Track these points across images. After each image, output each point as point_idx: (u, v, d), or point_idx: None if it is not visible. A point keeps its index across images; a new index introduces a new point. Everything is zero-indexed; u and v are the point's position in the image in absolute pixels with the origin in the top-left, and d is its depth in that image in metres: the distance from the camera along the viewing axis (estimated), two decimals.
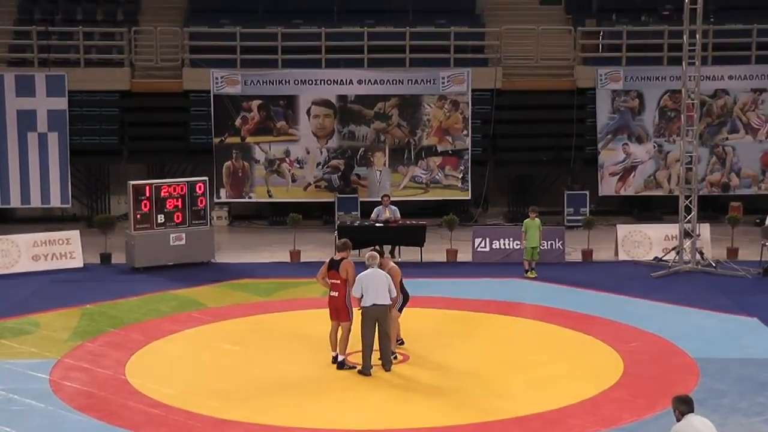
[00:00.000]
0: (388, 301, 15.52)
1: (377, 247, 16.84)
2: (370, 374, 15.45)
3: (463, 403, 14.44)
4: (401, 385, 15.22)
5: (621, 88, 28.78)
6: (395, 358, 16.15)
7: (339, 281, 15.90)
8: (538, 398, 14.53)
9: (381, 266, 16.21)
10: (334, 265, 16.02)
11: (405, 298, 16.76)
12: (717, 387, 14.86)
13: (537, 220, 22.51)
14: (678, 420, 10.67)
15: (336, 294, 15.93)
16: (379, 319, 15.50)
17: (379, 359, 15.79)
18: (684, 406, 10.67)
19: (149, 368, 15.95)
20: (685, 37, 23.43)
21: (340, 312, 15.91)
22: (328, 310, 16.13)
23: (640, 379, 15.27)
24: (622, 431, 13.23)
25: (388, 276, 15.63)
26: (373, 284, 15.45)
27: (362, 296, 15.42)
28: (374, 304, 15.40)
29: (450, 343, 16.67)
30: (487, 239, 24.16)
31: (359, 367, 15.68)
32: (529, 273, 22.28)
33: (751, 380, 15.19)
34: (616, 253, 24.37)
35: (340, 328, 16.00)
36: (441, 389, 15.04)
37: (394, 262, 17.14)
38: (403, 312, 16.71)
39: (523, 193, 29.89)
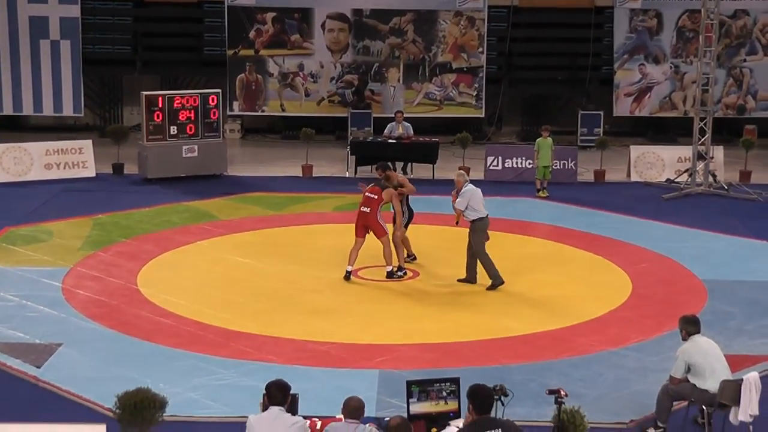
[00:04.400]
0: None
1: (386, 163, 16.94)
2: (502, 281, 15.67)
3: (472, 321, 14.56)
4: (411, 302, 15.34)
5: (639, 7, 28.44)
6: (405, 274, 16.26)
7: (376, 197, 15.99)
8: (547, 317, 14.65)
9: (389, 179, 16.42)
10: (378, 183, 16.23)
11: (410, 214, 16.86)
12: (724, 309, 14.94)
13: (549, 139, 22.44)
14: (684, 340, 10.78)
15: (368, 210, 15.99)
16: (487, 229, 15.88)
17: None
18: (691, 326, 10.77)
19: (161, 279, 16.08)
20: None
21: (373, 228, 15.99)
22: (354, 225, 16.12)
23: (648, 300, 15.37)
24: (628, 350, 13.35)
25: None
26: (479, 197, 15.83)
27: (467, 208, 15.64)
28: (487, 215, 15.85)
29: (460, 260, 16.74)
30: (500, 158, 24.12)
31: (399, 273, 16.14)
32: (540, 192, 22.27)
33: (758, 303, 15.27)
34: (629, 174, 24.32)
35: (369, 243, 16.12)
36: (450, 306, 15.16)
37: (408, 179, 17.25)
38: (408, 228, 16.84)
39: (537, 112, 29.73)
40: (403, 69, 28.44)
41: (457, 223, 16.05)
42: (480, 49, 28.33)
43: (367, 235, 16.11)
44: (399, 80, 28.45)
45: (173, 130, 23.09)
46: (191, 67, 29.43)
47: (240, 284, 15.90)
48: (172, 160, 23.06)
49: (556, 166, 23.04)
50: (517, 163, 24.02)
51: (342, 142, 27.15)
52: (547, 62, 29.34)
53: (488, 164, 24.00)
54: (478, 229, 15.74)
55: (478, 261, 15.80)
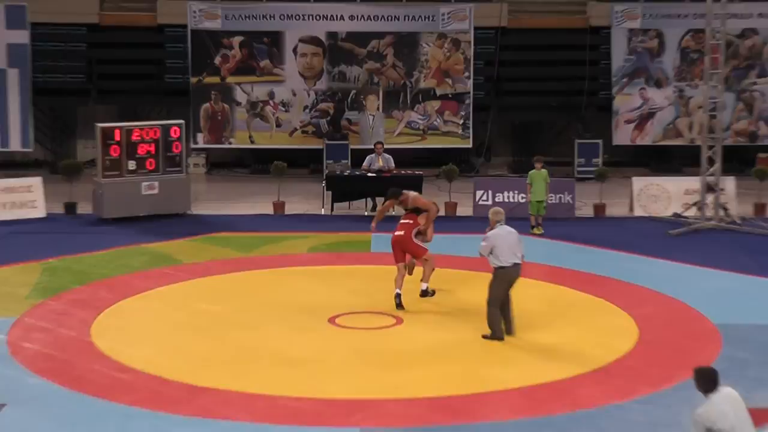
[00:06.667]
0: (521, 260, 15.46)
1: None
2: (502, 337, 15.39)
3: (463, 371, 14.38)
4: (393, 351, 15.16)
5: (638, 26, 28.65)
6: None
7: (411, 222, 16.86)
8: (545, 366, 14.50)
9: (404, 200, 17.39)
10: (414, 210, 17.08)
11: None
12: (740, 356, 14.81)
13: (543, 171, 22.45)
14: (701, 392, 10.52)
15: (402, 233, 16.73)
16: (513, 281, 15.41)
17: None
18: (707, 383, 10.48)
19: (117, 329, 15.90)
20: None
21: (410, 251, 16.76)
22: (392, 252, 16.76)
23: (656, 347, 15.24)
24: (635, 404, 13.17)
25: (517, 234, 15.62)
26: (507, 242, 15.33)
27: (491, 254, 15.28)
28: (515, 264, 15.34)
29: (449, 304, 16.61)
30: (490, 192, 24.15)
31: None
32: (534, 229, 22.24)
33: None
34: (631, 209, 24.37)
35: (408, 265, 16.95)
36: (438, 356, 14.98)
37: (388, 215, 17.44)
38: None
39: (530, 141, 29.84)
40: (383, 96, 28.52)
41: None
42: (466, 74, 28.40)
43: (406, 257, 16.82)
44: (378, 108, 28.50)
45: (131, 165, 23.13)
46: (151, 97, 29.48)
47: (205, 334, 15.73)
48: (130, 198, 23.07)
49: (552, 200, 23.07)
50: (508, 197, 24.01)
51: (317, 177, 27.14)
52: (539, 87, 29.50)
53: (477, 199, 23.99)
54: (498, 278, 15.38)
55: (498, 310, 15.44)
